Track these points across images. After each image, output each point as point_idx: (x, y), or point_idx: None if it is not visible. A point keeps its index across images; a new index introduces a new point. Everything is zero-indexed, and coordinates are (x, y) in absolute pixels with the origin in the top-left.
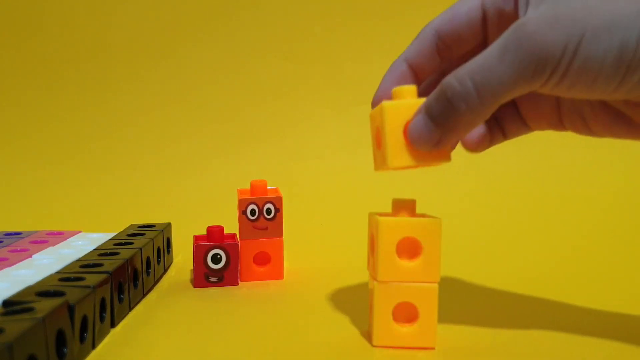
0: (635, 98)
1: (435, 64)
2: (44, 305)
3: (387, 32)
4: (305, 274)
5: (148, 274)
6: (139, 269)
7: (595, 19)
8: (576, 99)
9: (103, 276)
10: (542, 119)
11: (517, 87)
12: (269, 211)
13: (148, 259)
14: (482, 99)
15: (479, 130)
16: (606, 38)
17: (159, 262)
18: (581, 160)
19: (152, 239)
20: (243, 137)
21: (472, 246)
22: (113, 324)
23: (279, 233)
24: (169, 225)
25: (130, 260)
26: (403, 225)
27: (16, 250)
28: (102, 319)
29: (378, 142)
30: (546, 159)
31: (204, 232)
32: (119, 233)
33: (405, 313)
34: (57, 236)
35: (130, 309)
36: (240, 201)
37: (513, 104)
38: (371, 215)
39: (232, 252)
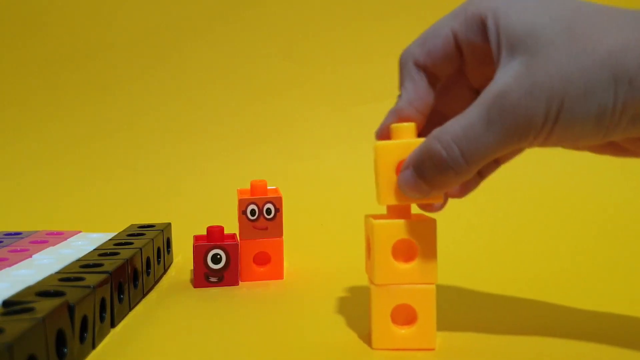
0: (621, 141)
1: (431, 97)
2: (44, 305)
3: (387, 33)
4: (305, 274)
5: (148, 274)
6: (139, 269)
7: (572, 87)
8: None
9: (103, 276)
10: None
11: (502, 150)
12: (269, 211)
13: (148, 259)
14: (469, 164)
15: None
16: (583, 105)
17: (159, 262)
18: (582, 160)
19: (152, 239)
20: (243, 137)
21: (471, 247)
22: (113, 324)
23: (279, 233)
24: (169, 225)
25: (130, 260)
26: (398, 227)
27: (16, 250)
28: (102, 319)
29: (375, 177)
30: (546, 159)
31: (204, 232)
32: (119, 233)
33: (404, 315)
34: (57, 236)
35: (130, 309)
36: (240, 201)
37: None
38: (366, 218)
39: (232, 252)
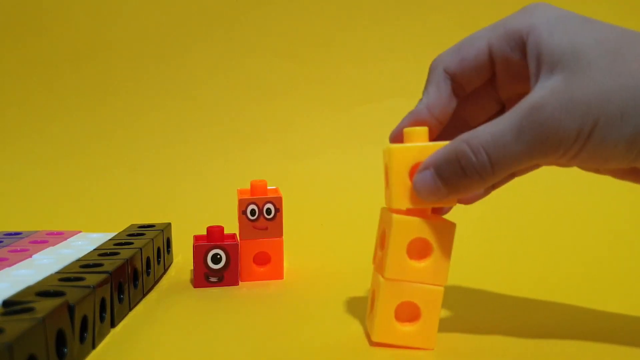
0: None
1: (452, 106)
2: (44, 305)
3: (387, 33)
4: (305, 274)
5: (148, 274)
6: (139, 269)
7: (609, 106)
8: None
9: (103, 276)
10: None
11: (530, 162)
12: (269, 211)
13: (148, 259)
14: (495, 172)
15: None
16: (619, 126)
17: (159, 262)
18: None
19: (152, 239)
20: (243, 137)
21: (471, 248)
22: (113, 324)
23: (279, 233)
24: (169, 225)
25: (130, 260)
26: (417, 225)
27: (16, 250)
28: (102, 319)
29: (386, 179)
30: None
31: (204, 232)
32: (119, 233)
33: (408, 312)
34: (57, 236)
35: (130, 309)
36: (240, 201)
37: None
38: (384, 210)
39: (232, 252)
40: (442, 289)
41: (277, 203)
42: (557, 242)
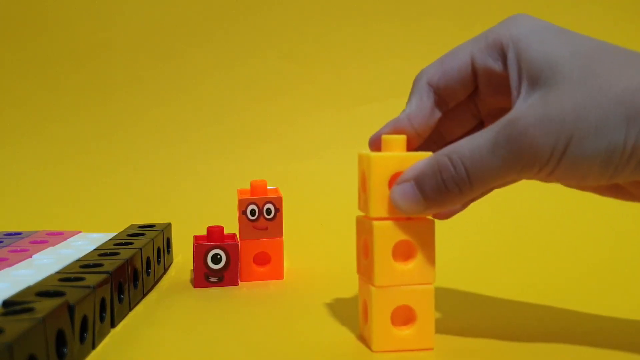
0: (626, 185)
1: (434, 119)
2: (44, 306)
3: (387, 33)
4: (306, 274)
5: (148, 274)
6: (139, 269)
7: (583, 123)
8: None
9: (103, 276)
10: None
11: (506, 177)
12: (269, 211)
13: (148, 259)
14: (473, 185)
15: None
16: (593, 142)
17: (159, 262)
18: None
19: (152, 239)
20: (243, 137)
21: (470, 248)
22: (113, 324)
23: (279, 233)
24: (169, 225)
25: (130, 261)
26: (397, 229)
27: (16, 251)
28: (102, 319)
29: (363, 185)
30: None
31: (204, 232)
32: (119, 233)
33: (403, 316)
34: (57, 236)
35: (130, 309)
36: (240, 201)
37: None
38: (361, 219)
39: (232, 252)
40: (432, 287)
41: (277, 203)
42: (554, 243)
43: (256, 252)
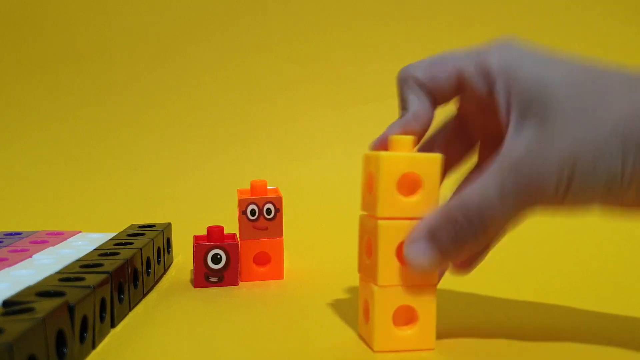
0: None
1: (432, 116)
2: (44, 306)
3: (387, 33)
4: (306, 274)
5: (148, 274)
6: (139, 269)
7: (582, 157)
8: None
9: (103, 276)
10: None
11: (518, 217)
12: (269, 211)
13: (148, 259)
14: (489, 232)
15: None
16: (593, 174)
17: (159, 262)
18: None
19: (152, 239)
20: (243, 137)
21: None
22: (113, 324)
23: (279, 233)
24: (169, 225)
25: (130, 261)
26: (402, 229)
27: (16, 251)
28: (102, 319)
29: (369, 186)
30: None
31: (204, 232)
32: (119, 233)
33: (404, 316)
34: (57, 236)
35: (130, 309)
36: (240, 201)
37: None
38: (365, 218)
39: (232, 252)
40: (435, 287)
41: (277, 203)
42: (556, 243)
43: (256, 252)
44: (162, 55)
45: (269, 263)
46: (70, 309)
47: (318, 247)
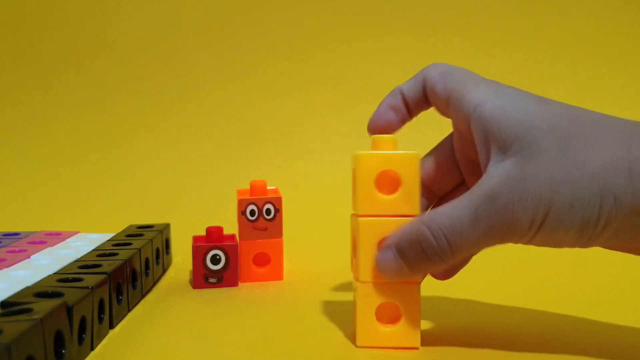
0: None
1: (420, 109)
2: (42, 306)
3: (388, 33)
4: (305, 275)
5: (147, 274)
6: (138, 269)
7: (559, 197)
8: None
9: (101, 277)
10: None
11: (486, 246)
12: (268, 211)
13: (147, 259)
14: (454, 254)
15: None
16: (568, 216)
17: (157, 262)
18: None
19: (151, 240)
20: (243, 137)
21: None
22: (111, 325)
23: (279, 234)
24: (167, 225)
25: (129, 261)
26: (383, 225)
27: (14, 251)
28: (100, 320)
29: (354, 184)
30: None
31: (203, 233)
32: (118, 234)
33: (389, 313)
34: (56, 237)
35: (129, 310)
36: (240, 201)
37: None
38: (352, 217)
39: (232, 252)
40: (418, 285)
41: (277, 203)
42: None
43: (256, 253)
44: (162, 56)
45: (268, 264)
46: (69, 310)
47: (318, 247)
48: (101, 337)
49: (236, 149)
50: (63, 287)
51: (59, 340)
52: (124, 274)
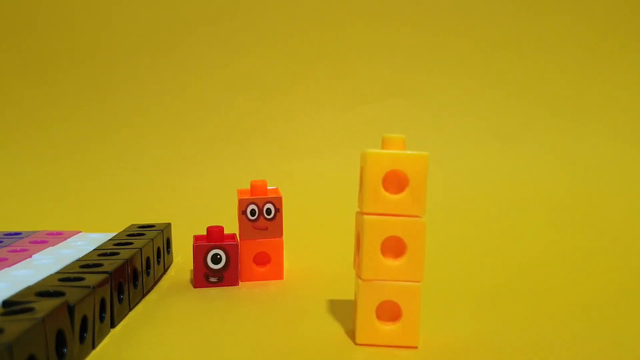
0: None
1: None
2: (44, 306)
3: (388, 33)
4: (306, 274)
5: (148, 274)
6: (139, 269)
7: None
8: None
9: (103, 276)
10: None
11: None
12: (269, 211)
13: (148, 259)
14: None
15: None
16: None
17: (158, 262)
18: (572, 161)
19: (152, 239)
20: (243, 137)
21: (456, 245)
22: (113, 324)
23: (279, 233)
24: (168, 225)
25: (130, 261)
26: (388, 224)
27: (16, 251)
28: (101, 319)
29: (361, 182)
30: (538, 160)
31: (204, 232)
32: (119, 233)
33: (389, 312)
34: (57, 236)
35: (130, 309)
36: (240, 201)
37: None
38: (357, 215)
39: (232, 252)
40: (419, 285)
41: (277, 203)
42: (543, 242)
43: (256, 252)
44: (162, 55)
45: (268, 263)
46: (70, 309)
47: (318, 247)
48: (102, 336)
49: (236, 149)
50: (64, 286)
51: (60, 340)
52: (125, 273)
